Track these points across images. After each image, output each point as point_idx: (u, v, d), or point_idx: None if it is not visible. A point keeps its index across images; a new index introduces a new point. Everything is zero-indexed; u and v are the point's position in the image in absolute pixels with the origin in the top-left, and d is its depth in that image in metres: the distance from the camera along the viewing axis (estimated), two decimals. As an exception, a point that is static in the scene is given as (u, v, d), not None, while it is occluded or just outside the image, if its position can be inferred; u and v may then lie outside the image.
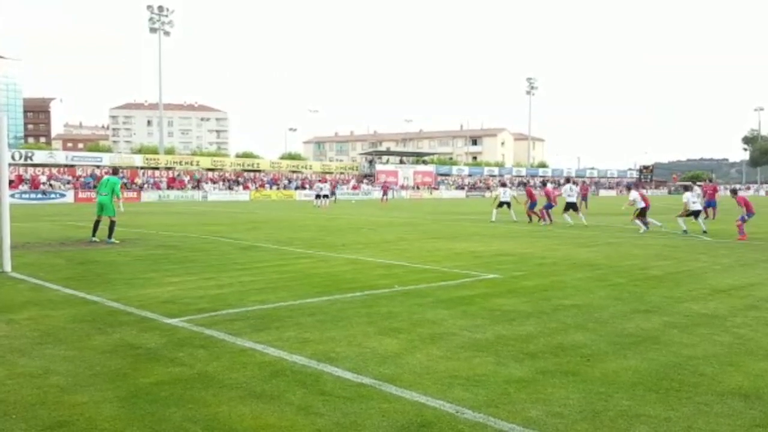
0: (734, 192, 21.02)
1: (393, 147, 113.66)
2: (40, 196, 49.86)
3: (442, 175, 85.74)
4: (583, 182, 53.09)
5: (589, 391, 4.59)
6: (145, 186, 58.43)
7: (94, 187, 52.98)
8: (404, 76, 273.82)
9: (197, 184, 62.53)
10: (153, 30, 66.19)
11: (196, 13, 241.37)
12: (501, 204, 25.37)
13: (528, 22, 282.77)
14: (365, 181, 76.74)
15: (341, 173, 79.71)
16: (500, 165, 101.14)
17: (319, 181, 52.49)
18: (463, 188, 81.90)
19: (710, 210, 27.44)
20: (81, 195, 51.84)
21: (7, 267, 10.38)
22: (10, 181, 42.47)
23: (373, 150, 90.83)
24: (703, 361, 5.36)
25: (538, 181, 74.64)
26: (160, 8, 65.89)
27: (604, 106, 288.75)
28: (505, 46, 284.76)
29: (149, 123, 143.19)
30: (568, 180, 26.21)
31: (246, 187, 64.41)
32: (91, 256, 12.70)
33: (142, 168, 62.79)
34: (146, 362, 5.27)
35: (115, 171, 17.47)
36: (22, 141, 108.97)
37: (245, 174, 69.61)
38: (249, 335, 6.16)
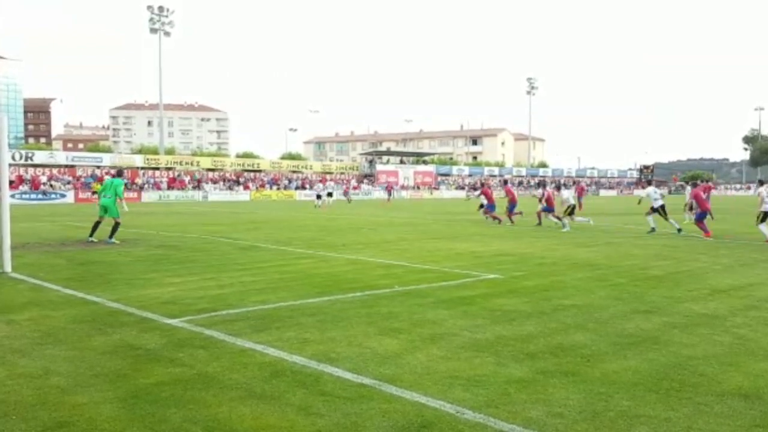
0: (694, 185, 20.78)
1: (393, 147, 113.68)
2: (40, 196, 49.88)
3: (442, 175, 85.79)
4: (578, 183, 53.15)
5: (589, 391, 4.59)
6: (146, 186, 58.44)
7: (94, 193, 53.14)
8: (404, 76, 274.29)
9: (198, 185, 62.57)
10: (153, 30, 66.23)
11: (196, 14, 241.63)
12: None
13: (528, 22, 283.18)
14: (365, 181, 76.75)
15: (341, 173, 79.71)
16: (501, 165, 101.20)
17: (320, 181, 52.56)
18: (463, 188, 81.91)
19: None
20: (81, 195, 51.85)
21: (8, 267, 10.38)
22: (11, 182, 42.47)
23: (374, 150, 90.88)
24: (703, 362, 5.36)
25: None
26: (161, 8, 65.94)
27: (604, 106, 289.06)
28: (505, 46, 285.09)
29: (149, 123, 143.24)
30: (558, 187, 23.91)
31: (246, 187, 64.45)
32: (92, 256, 12.70)
33: (142, 168, 62.85)
34: (146, 363, 5.27)
35: (119, 173, 17.47)
36: (23, 141, 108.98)
37: (245, 174, 69.64)
38: (249, 335, 6.16)
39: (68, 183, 55.09)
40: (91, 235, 15.51)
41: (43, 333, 6.30)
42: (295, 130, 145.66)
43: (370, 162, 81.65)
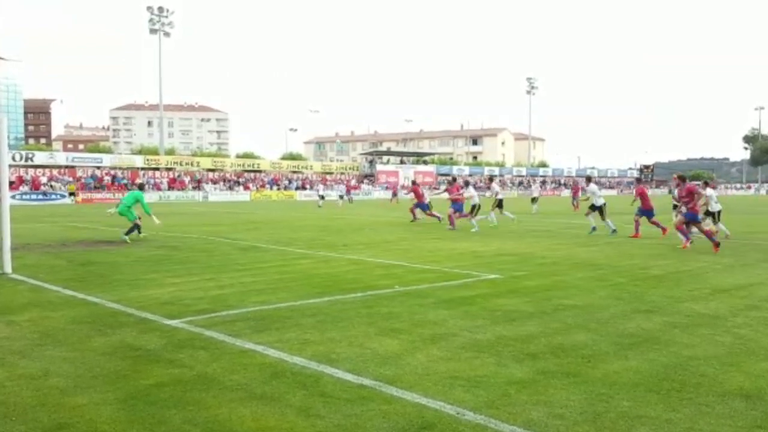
0: (638, 180, 20.44)
1: (393, 147, 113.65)
2: (40, 197, 49.87)
3: (442, 175, 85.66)
4: (575, 182, 53.25)
5: (591, 392, 4.58)
6: (146, 187, 58.42)
7: (95, 187, 53.20)
8: (404, 76, 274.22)
9: (198, 185, 62.55)
10: (153, 31, 66.21)
11: (196, 14, 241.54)
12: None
13: (528, 22, 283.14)
14: (365, 181, 76.72)
15: (341, 173, 79.69)
16: (501, 165, 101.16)
17: (321, 181, 52.63)
18: (480, 186, 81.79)
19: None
20: (82, 196, 51.85)
21: (8, 268, 10.37)
22: (11, 182, 42.48)
23: (374, 150, 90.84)
24: (704, 362, 5.35)
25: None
26: (160, 9, 65.93)
27: (604, 105, 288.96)
28: (505, 46, 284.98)
29: (150, 124, 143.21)
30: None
31: (246, 188, 64.42)
32: (92, 257, 12.69)
33: (142, 169, 62.83)
34: (146, 364, 5.26)
35: (140, 186, 17.76)
36: (23, 142, 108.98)
37: (246, 174, 69.63)
38: (249, 336, 6.15)
39: (68, 184, 55.05)
40: (139, 233, 16.24)
41: (42, 334, 6.30)
42: (296, 130, 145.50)
43: (371, 162, 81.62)
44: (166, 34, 66.93)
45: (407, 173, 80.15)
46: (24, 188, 50.60)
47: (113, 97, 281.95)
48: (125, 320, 6.94)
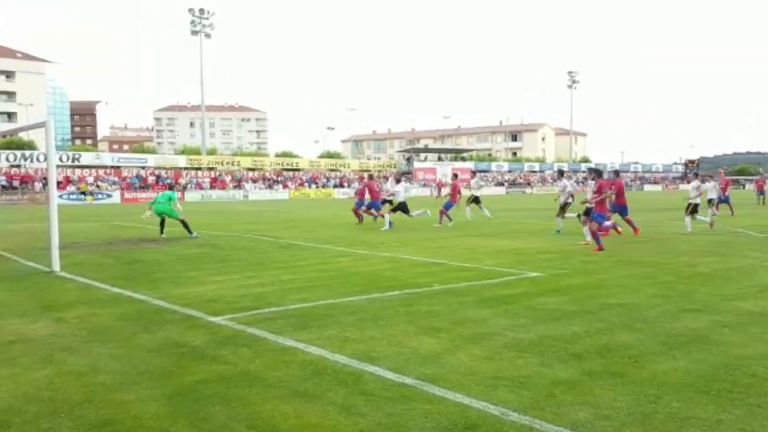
0: (616, 173, 18.39)
1: (431, 144, 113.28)
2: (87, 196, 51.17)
3: (481, 171, 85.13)
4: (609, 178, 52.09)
5: (638, 392, 4.47)
6: (189, 186, 59.51)
7: (83, 193, 53.77)
8: (442, 73, 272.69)
9: (238, 184, 63.41)
10: (194, 32, 67.30)
11: (235, 15, 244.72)
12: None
13: (569, 14, 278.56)
14: (403, 178, 76.73)
15: (379, 171, 79.83)
16: (541, 161, 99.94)
17: (357, 179, 52.62)
18: (502, 185, 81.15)
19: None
20: (127, 195, 53.06)
21: (56, 267, 10.66)
22: (58, 183, 43.78)
23: (411, 147, 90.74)
24: (755, 361, 5.18)
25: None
26: (201, 11, 66.96)
27: (648, 98, 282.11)
28: (545, 40, 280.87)
29: (192, 124, 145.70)
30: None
31: (285, 186, 65.05)
32: (137, 255, 12.97)
33: (185, 168, 63.95)
34: (191, 360, 5.34)
35: (170, 187, 18.42)
36: (70, 143, 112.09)
37: (284, 173, 70.30)
38: (290, 334, 6.19)
39: (114, 183, 56.41)
40: (161, 233, 16.69)
41: (90, 331, 6.45)
42: (333, 128, 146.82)
43: (408, 159, 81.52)
44: (207, 36, 67.94)
45: (445, 170, 79.83)
46: (71, 188, 51.98)
47: (156, 98, 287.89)
48: (170, 317, 7.06)
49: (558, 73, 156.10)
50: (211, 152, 78.70)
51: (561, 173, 19.58)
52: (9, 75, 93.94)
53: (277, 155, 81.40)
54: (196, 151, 74.82)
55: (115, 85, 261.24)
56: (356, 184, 46.07)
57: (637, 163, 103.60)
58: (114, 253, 13.34)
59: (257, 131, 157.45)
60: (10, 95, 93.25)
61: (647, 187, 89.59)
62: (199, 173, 64.17)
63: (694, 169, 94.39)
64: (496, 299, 7.94)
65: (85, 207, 42.10)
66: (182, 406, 4.27)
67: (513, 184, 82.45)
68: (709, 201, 23.70)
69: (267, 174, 69.05)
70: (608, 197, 14.12)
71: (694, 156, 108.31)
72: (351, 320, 6.79)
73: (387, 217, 19.68)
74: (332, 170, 75.60)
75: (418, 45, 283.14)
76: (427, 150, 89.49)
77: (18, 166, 55.17)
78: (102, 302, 7.99)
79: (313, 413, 4.13)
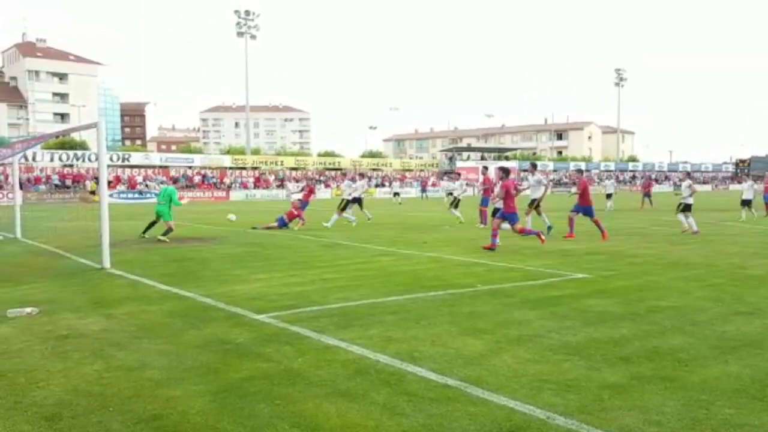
0: (579, 171, 18.02)
1: (474, 143, 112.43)
2: (136, 195, 52.50)
3: (525, 170, 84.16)
4: (649, 177, 50.97)
5: (688, 398, 4.34)
6: (234, 185, 60.49)
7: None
8: (485, 71, 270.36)
9: (281, 183, 64.15)
10: (240, 34, 68.38)
11: (280, 15, 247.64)
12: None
13: (616, 11, 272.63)
14: (445, 177, 76.37)
15: (420, 170, 79.67)
16: (587, 160, 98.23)
17: (398, 178, 52.58)
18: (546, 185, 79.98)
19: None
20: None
21: (107, 264, 10.94)
22: (109, 182, 44.96)
23: (453, 146, 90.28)
24: (815, 369, 4.96)
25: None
26: (247, 12, 68.00)
27: (698, 96, 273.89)
28: (591, 37, 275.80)
29: (237, 125, 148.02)
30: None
31: (327, 185, 65.50)
32: (184, 253, 13.22)
33: (230, 168, 65.07)
34: (236, 357, 5.40)
35: (174, 180, 18.39)
36: (120, 143, 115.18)
37: (327, 172, 70.78)
38: (333, 332, 6.21)
39: (162, 182, 57.75)
40: (144, 232, 16.59)
41: (139, 327, 6.59)
42: (375, 128, 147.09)
43: (450, 158, 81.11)
44: (252, 37, 68.98)
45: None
46: (121, 187, 53.37)
47: (203, 99, 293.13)
48: (216, 314, 7.16)
49: (605, 70, 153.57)
50: (255, 152, 79.84)
51: (534, 166, 19.23)
52: (62, 77, 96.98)
53: (319, 155, 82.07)
54: (241, 151, 76.02)
55: (163, 87, 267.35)
56: (395, 184, 46.32)
57: (686, 162, 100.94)
58: (162, 251, 13.63)
59: (300, 131, 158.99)
60: (63, 97, 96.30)
61: (697, 188, 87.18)
62: (244, 173, 65.16)
63: (745, 169, 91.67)
64: (542, 301, 7.82)
65: (135, 205, 43.12)
66: (227, 403, 4.32)
67: (558, 183, 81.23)
68: (744, 202, 23.11)
69: (310, 173, 69.67)
70: (500, 197, 14.01)
71: (745, 155, 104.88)
72: (393, 320, 6.77)
73: (335, 216, 20.12)
74: (374, 169, 75.78)
75: (461, 44, 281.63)
76: (469, 149, 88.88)
77: (70, 166, 57.02)
78: (150, 299, 8.17)
79: (355, 412, 4.13)
